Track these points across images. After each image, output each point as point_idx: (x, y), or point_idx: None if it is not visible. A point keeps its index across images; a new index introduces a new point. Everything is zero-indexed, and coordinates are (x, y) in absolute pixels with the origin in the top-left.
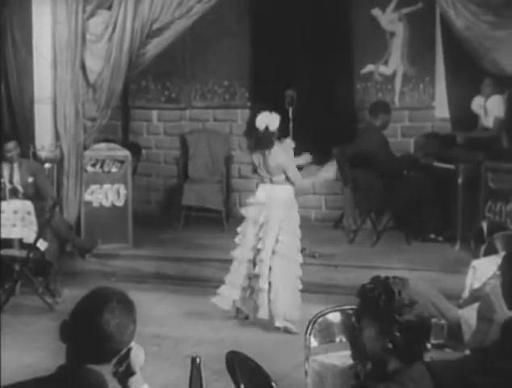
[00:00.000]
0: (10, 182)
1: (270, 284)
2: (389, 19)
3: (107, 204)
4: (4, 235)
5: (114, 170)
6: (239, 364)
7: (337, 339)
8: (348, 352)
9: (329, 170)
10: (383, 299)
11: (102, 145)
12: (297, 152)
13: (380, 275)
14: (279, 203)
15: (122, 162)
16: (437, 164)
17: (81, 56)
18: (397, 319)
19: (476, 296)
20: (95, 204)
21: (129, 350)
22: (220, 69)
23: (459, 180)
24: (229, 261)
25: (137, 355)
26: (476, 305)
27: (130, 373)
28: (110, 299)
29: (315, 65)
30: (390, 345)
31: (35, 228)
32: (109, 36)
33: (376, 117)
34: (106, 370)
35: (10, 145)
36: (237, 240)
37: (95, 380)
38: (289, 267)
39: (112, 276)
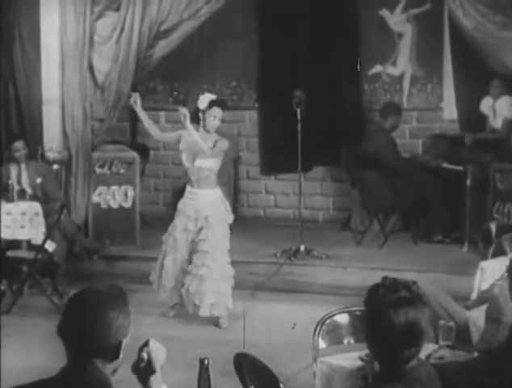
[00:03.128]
0: (18, 183)
1: None
2: (397, 20)
3: (114, 205)
4: (12, 236)
5: (122, 171)
6: (247, 366)
7: (346, 341)
8: (356, 354)
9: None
10: (369, 297)
11: (110, 147)
12: (305, 153)
13: (391, 277)
14: None
15: (130, 163)
16: (445, 165)
17: (89, 57)
18: (382, 314)
19: (484, 297)
20: (103, 206)
21: (147, 343)
22: (227, 71)
23: (468, 181)
24: (237, 262)
25: (158, 353)
26: (484, 307)
27: (151, 370)
28: (92, 302)
29: (323, 66)
30: (377, 348)
31: (43, 229)
32: (117, 38)
33: (386, 119)
34: (108, 369)
35: (18, 144)
36: None
37: (98, 380)
38: None
39: (120, 277)
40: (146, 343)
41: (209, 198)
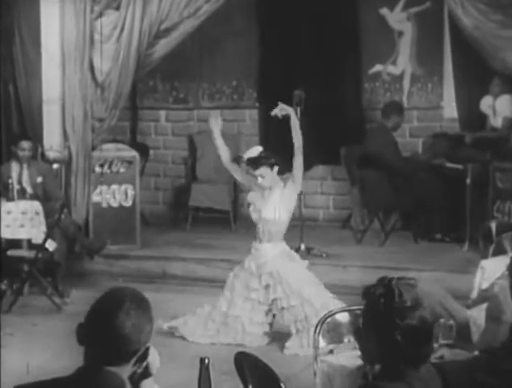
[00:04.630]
0: (19, 182)
1: None
2: (397, 19)
3: (114, 204)
4: (12, 236)
5: (122, 170)
6: (248, 365)
7: (346, 340)
8: (357, 353)
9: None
10: (382, 301)
11: (111, 146)
12: (305, 152)
13: (387, 276)
14: None
15: (130, 162)
16: (446, 164)
17: (90, 56)
18: (397, 323)
19: (485, 296)
20: (103, 205)
21: (147, 349)
22: (228, 69)
23: (468, 180)
24: (236, 261)
25: (155, 359)
26: (484, 306)
27: (147, 374)
28: (124, 300)
29: (323, 65)
30: (393, 349)
31: (43, 228)
32: (117, 37)
33: (389, 118)
34: (125, 371)
35: (26, 144)
36: None
37: (113, 382)
38: None
39: (120, 276)
40: (147, 352)
41: (271, 252)
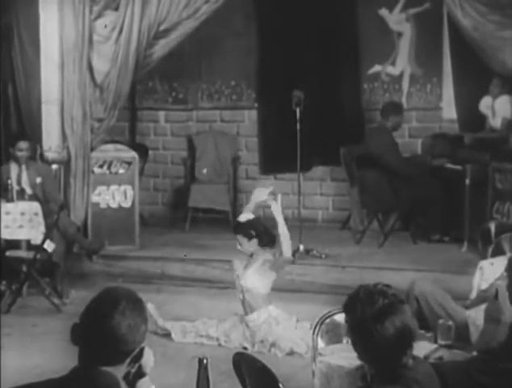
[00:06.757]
0: (18, 183)
1: None
2: (396, 20)
3: (113, 205)
4: (11, 236)
5: (121, 171)
6: (246, 365)
7: (345, 341)
8: (355, 353)
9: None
10: (359, 308)
11: (110, 146)
12: (304, 153)
13: (365, 283)
14: None
15: (129, 163)
16: (446, 165)
17: (89, 57)
18: (376, 328)
19: (484, 297)
20: (102, 206)
21: (142, 350)
22: (227, 70)
23: (467, 181)
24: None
25: (149, 359)
26: (483, 306)
27: (141, 374)
28: (119, 300)
29: (322, 66)
30: (378, 353)
31: (42, 229)
32: (116, 37)
33: (387, 118)
34: (120, 371)
35: (24, 144)
36: None
37: (108, 382)
38: None
39: (119, 277)
40: (141, 352)
41: (258, 321)
